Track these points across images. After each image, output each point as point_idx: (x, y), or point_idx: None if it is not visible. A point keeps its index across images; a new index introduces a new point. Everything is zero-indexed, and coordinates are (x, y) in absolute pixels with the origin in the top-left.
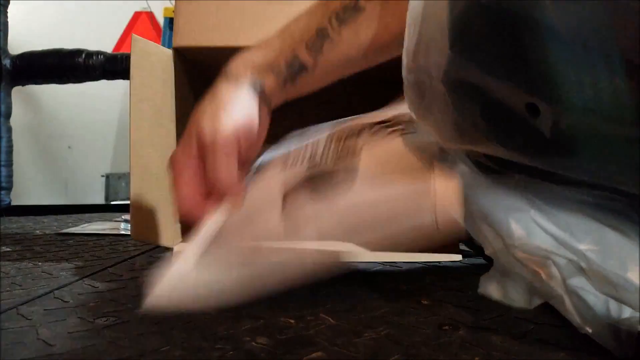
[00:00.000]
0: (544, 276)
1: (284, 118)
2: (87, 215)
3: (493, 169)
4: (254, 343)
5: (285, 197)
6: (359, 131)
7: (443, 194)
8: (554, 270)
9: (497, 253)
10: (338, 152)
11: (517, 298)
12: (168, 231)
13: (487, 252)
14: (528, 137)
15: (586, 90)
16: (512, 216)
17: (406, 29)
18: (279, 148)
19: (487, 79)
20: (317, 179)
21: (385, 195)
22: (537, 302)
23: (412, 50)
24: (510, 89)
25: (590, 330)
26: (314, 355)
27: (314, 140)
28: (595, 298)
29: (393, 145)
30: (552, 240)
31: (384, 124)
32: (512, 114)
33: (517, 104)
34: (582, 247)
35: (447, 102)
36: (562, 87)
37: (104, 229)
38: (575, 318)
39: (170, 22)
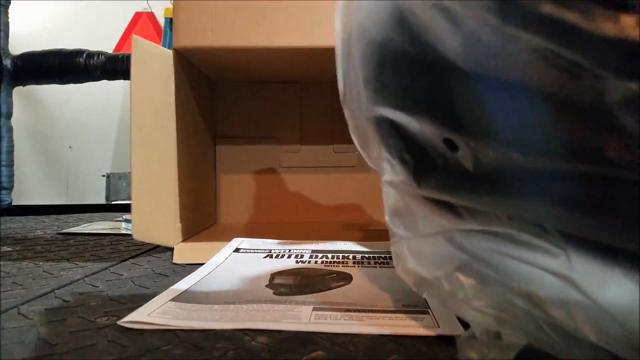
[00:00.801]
0: (510, 318)
1: (284, 118)
2: (88, 215)
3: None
4: (254, 342)
5: None
6: None
7: None
8: (517, 308)
9: (457, 311)
10: None
11: (495, 354)
12: (169, 231)
13: (453, 310)
14: (452, 172)
15: (507, 125)
16: (457, 269)
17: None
18: None
19: (402, 115)
20: None
21: None
22: (512, 353)
23: (341, 80)
24: (425, 124)
25: None
26: (314, 354)
27: None
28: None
29: None
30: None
31: None
32: (433, 150)
33: (434, 139)
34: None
35: (375, 138)
36: (478, 123)
37: (105, 229)
38: (567, 355)
39: (171, 22)
